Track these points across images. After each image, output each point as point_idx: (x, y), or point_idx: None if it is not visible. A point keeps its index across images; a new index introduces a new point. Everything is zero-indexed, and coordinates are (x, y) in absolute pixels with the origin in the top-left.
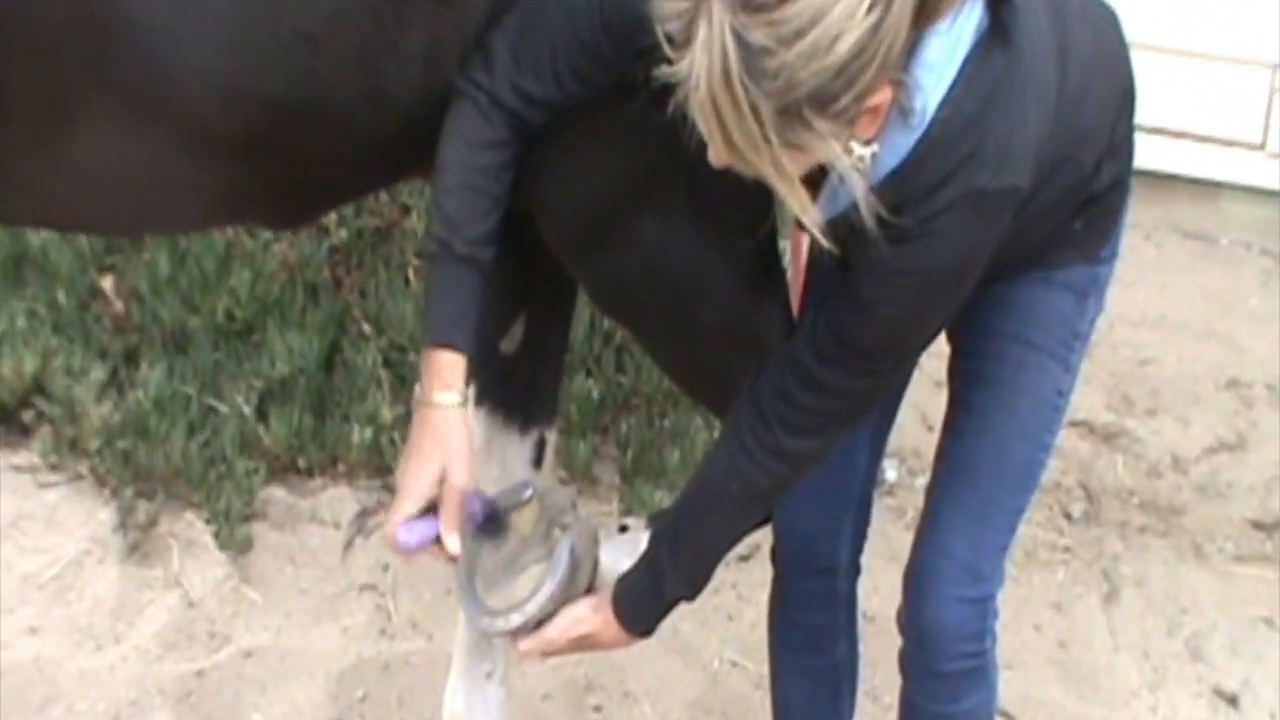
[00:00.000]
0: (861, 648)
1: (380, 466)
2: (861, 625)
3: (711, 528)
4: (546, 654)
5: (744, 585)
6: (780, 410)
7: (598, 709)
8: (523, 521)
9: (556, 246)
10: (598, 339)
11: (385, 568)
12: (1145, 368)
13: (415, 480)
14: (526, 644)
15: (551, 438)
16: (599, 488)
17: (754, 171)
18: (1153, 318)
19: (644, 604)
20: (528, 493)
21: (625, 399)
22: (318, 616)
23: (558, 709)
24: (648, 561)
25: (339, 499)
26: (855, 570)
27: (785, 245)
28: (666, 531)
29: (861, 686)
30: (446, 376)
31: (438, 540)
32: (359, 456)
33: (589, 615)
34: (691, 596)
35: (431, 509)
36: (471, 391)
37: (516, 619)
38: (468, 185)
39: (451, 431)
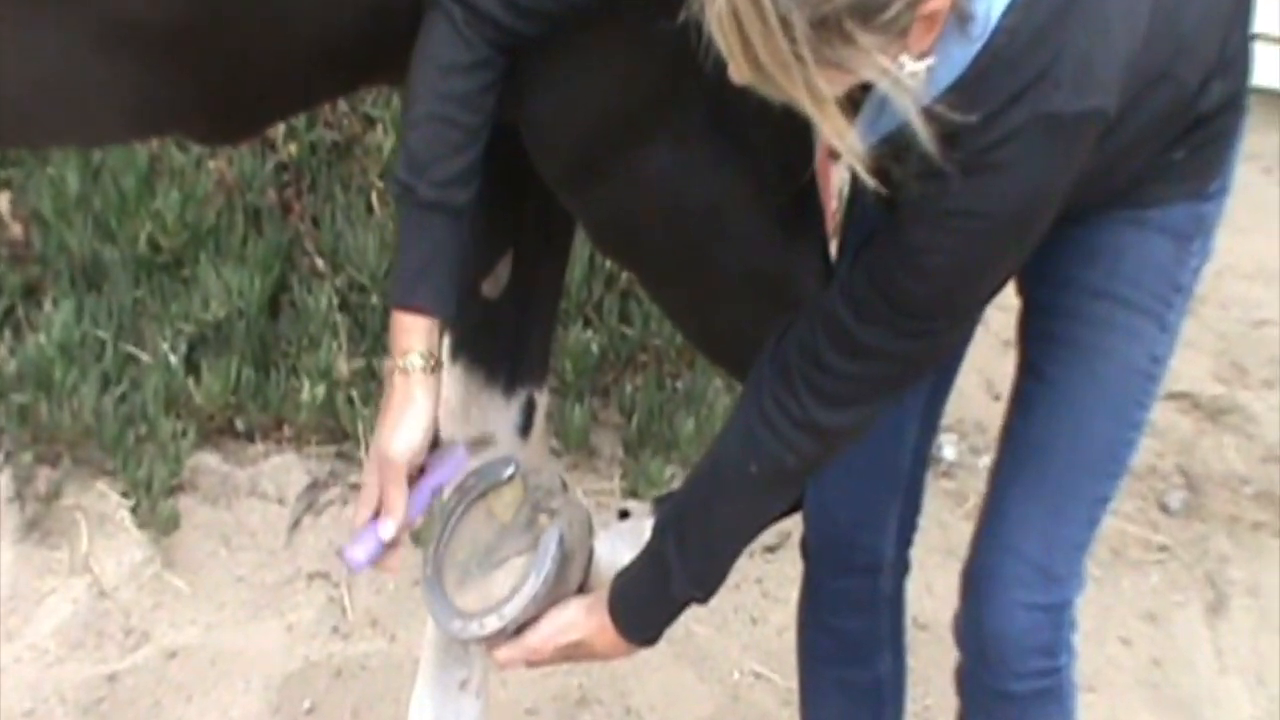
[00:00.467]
0: (910, 660)
1: (335, 430)
2: (910, 633)
3: (728, 516)
4: (530, 664)
5: (770, 581)
6: (811, 375)
7: None
8: (502, 505)
9: (550, 175)
10: (598, 282)
11: (340, 552)
12: (1261, 330)
13: (368, 470)
14: (506, 652)
15: (542, 400)
16: (597, 461)
17: (780, 95)
18: (1270, 269)
19: (647, 606)
20: (509, 470)
21: (630, 355)
22: (257, 610)
23: None
24: (652, 555)
25: (284, 468)
26: (903, 567)
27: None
28: (674, 519)
29: (910, 707)
30: (409, 340)
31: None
32: (309, 417)
33: (581, 619)
34: (704, 597)
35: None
36: (445, 351)
37: (493, 623)
38: (437, 116)
39: (407, 401)
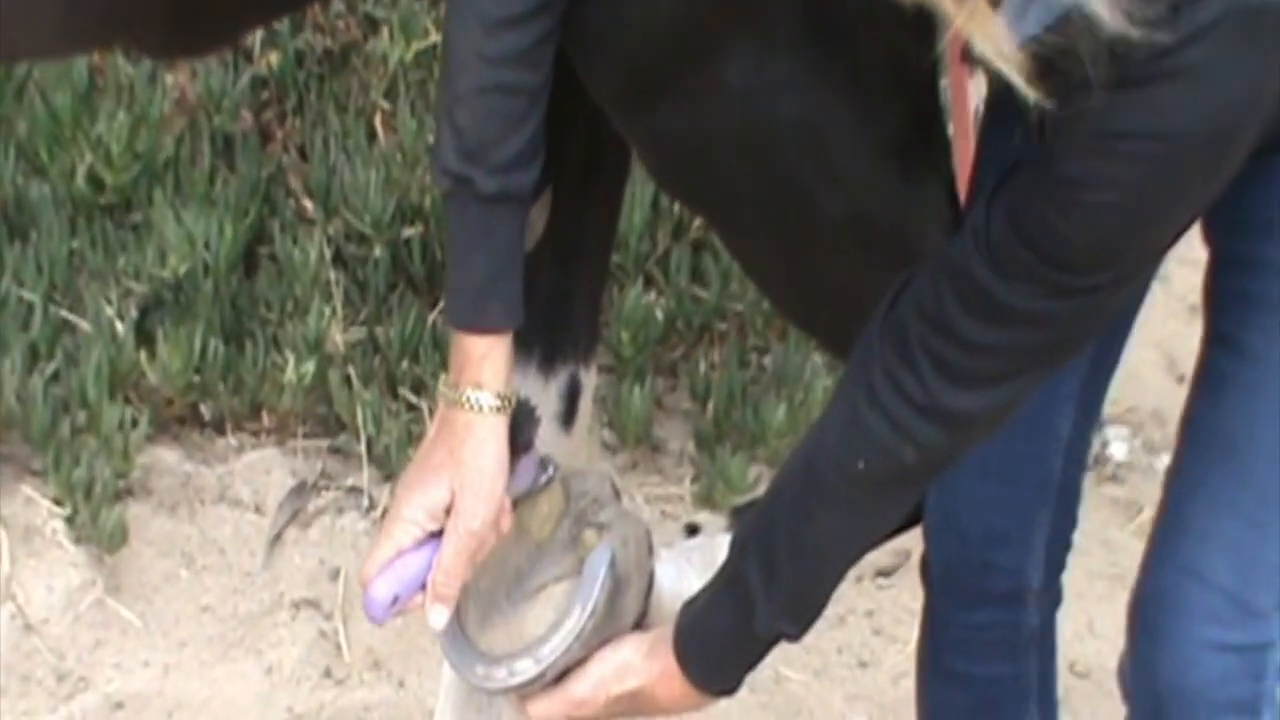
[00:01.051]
0: (1065, 719)
1: (327, 419)
2: (1065, 683)
3: (826, 528)
4: None
5: (884, 615)
6: (936, 347)
7: None
8: (537, 518)
9: (603, 92)
10: (663, 231)
11: (335, 574)
12: None
13: (407, 504)
14: (544, 706)
15: (589, 381)
16: (662, 460)
17: None
18: None
19: (723, 645)
20: (545, 474)
21: (704, 323)
22: (227, 649)
23: None
24: (729, 579)
25: (263, 467)
26: (1054, 597)
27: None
28: (757, 533)
29: None
30: (477, 369)
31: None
32: (295, 402)
33: (639, 663)
34: (796, 634)
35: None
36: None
37: (528, 668)
38: (490, 86)
39: (477, 448)
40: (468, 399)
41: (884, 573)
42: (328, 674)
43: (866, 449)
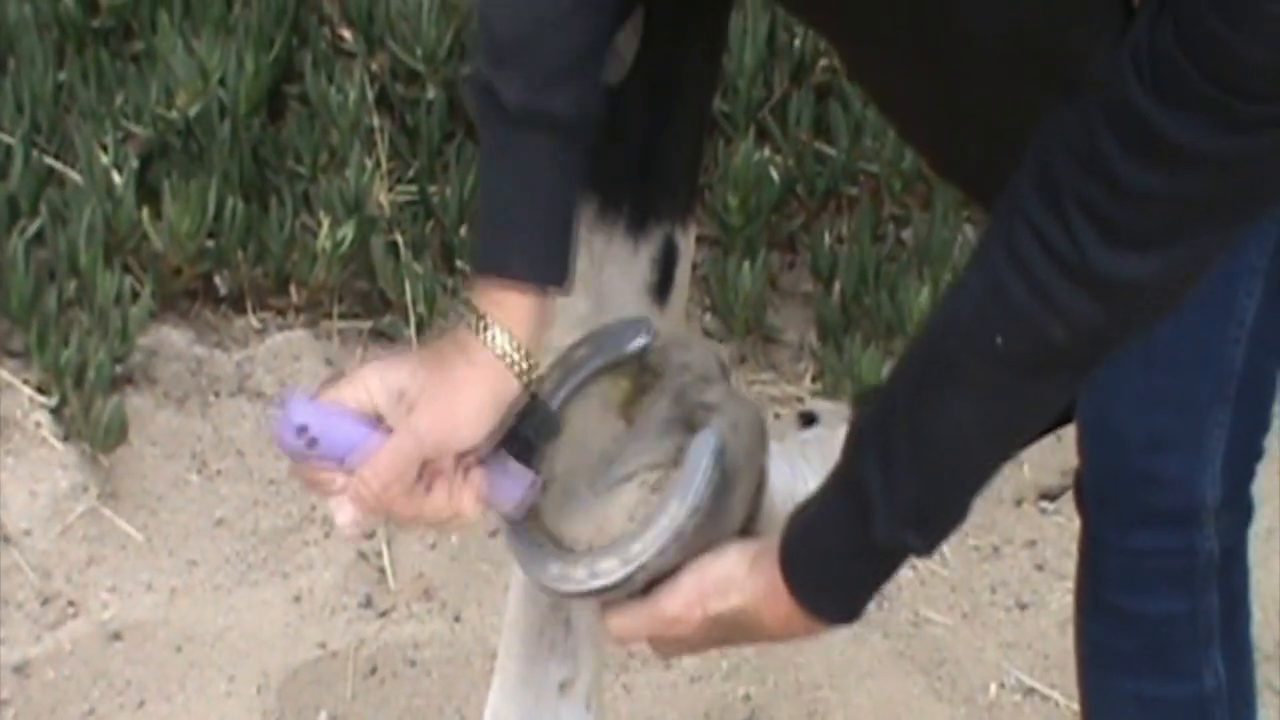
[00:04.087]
0: (1262, 670)
1: (368, 295)
2: (1258, 625)
3: (955, 418)
4: (661, 645)
5: (1048, 546)
6: (1091, 196)
7: None
8: (624, 392)
9: None
10: (780, 74)
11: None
12: None
13: (371, 367)
14: (628, 619)
15: (688, 246)
16: (776, 350)
17: None
18: None
19: (837, 560)
20: (639, 339)
21: (830, 187)
22: (247, 571)
23: None
24: (844, 480)
25: (290, 353)
26: (1240, 517)
27: None
28: (876, 424)
29: None
30: (494, 306)
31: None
32: (330, 275)
33: (741, 576)
34: (924, 547)
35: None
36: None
37: (613, 569)
38: None
39: (464, 381)
40: (479, 324)
41: (1048, 495)
42: (368, 604)
43: (1006, 322)
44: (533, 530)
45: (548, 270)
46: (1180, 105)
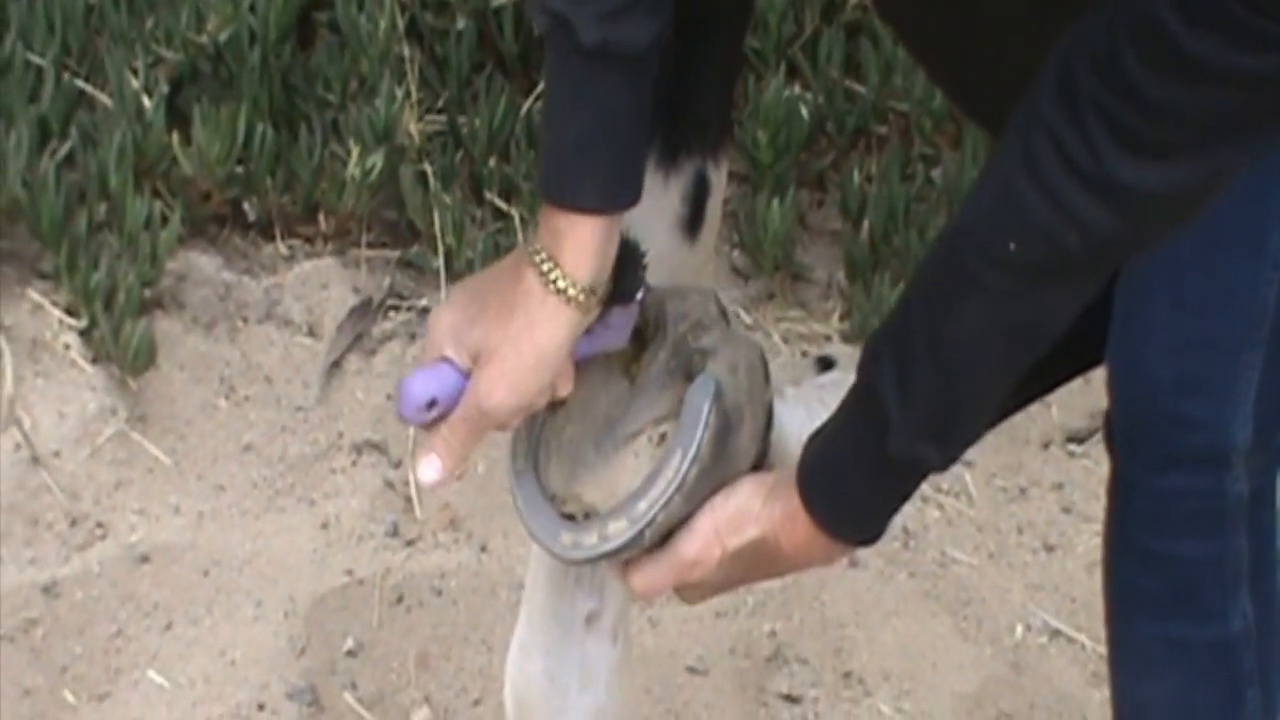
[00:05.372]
0: None
1: (397, 224)
2: None
3: (968, 324)
4: (688, 594)
5: (1076, 489)
6: (1110, 104)
7: (792, 698)
8: (625, 352)
9: None
10: (810, 10)
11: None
12: None
13: (445, 322)
14: (647, 574)
15: (719, 181)
16: (805, 290)
17: None
18: None
19: (853, 475)
20: (640, 290)
21: (860, 125)
22: (274, 496)
23: (719, 692)
24: (859, 396)
25: (319, 281)
26: (1270, 459)
27: None
28: (890, 334)
29: None
30: (558, 244)
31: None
32: (359, 203)
33: (757, 507)
34: (940, 461)
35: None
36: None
37: (622, 531)
38: None
39: (530, 325)
40: (542, 265)
41: (1075, 438)
42: (395, 532)
43: (1020, 229)
44: (542, 498)
45: (619, 197)
46: (1202, 21)
